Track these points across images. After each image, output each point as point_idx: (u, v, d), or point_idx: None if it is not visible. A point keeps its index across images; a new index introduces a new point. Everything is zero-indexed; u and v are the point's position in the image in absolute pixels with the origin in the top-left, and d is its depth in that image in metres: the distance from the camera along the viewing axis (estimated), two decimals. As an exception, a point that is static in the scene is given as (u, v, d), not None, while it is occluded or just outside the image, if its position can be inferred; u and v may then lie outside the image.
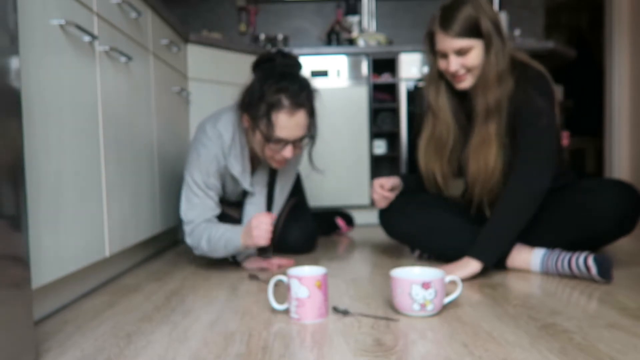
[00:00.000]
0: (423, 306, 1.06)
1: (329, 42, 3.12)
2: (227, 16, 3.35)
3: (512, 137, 1.45)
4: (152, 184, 1.78)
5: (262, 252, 1.65)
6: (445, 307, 1.13)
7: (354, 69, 2.70)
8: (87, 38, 1.25)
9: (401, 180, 1.72)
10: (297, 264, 1.65)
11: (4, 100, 0.80)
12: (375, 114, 2.78)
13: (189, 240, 1.56)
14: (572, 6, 4.54)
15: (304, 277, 1.06)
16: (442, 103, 1.54)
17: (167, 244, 2.18)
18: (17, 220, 0.82)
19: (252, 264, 1.63)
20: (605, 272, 1.30)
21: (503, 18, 1.41)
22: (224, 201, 1.71)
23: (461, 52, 1.41)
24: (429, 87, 1.56)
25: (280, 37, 3.14)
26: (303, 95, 1.44)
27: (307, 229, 1.87)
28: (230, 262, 1.71)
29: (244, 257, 1.64)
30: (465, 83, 1.46)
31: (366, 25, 3.31)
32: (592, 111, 3.77)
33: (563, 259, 1.38)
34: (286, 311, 1.12)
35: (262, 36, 3.16)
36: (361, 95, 2.69)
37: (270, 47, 3.08)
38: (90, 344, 0.98)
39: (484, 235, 1.42)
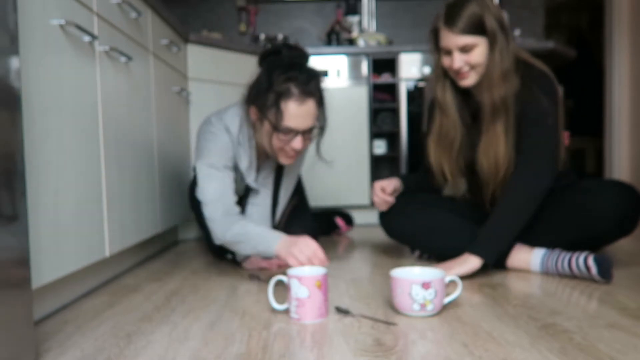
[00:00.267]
0: (423, 306, 1.06)
1: (329, 42, 3.12)
2: (227, 16, 3.35)
3: (517, 135, 1.45)
4: (152, 184, 1.78)
5: None
6: (445, 307, 1.13)
7: (354, 69, 2.70)
8: (87, 38, 1.25)
9: (401, 182, 1.72)
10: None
11: (4, 100, 0.80)
12: (375, 114, 2.78)
13: (213, 225, 1.46)
14: (572, 6, 4.54)
15: (304, 277, 1.06)
16: (448, 100, 1.54)
17: (167, 244, 2.18)
18: (17, 220, 0.82)
19: (252, 264, 1.63)
20: (605, 272, 1.30)
21: (505, 20, 1.42)
22: None
23: (465, 49, 1.41)
24: (435, 84, 1.56)
25: (280, 37, 3.15)
26: (312, 84, 1.41)
27: (307, 229, 1.87)
28: (231, 262, 1.71)
29: (244, 257, 1.64)
30: (469, 80, 1.46)
31: (366, 25, 3.31)
32: (592, 111, 3.76)
33: (563, 259, 1.38)
34: (286, 311, 1.12)
35: (262, 36, 3.16)
36: (361, 95, 2.69)
37: (270, 47, 3.08)
38: (90, 344, 0.98)
39: (485, 233, 1.42)
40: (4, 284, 0.78)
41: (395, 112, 2.76)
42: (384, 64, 2.75)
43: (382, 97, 2.78)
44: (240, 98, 1.54)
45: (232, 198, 1.49)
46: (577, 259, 1.35)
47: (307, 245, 1.28)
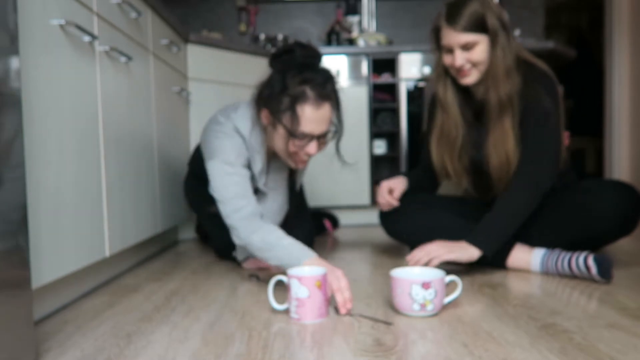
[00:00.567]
0: (423, 306, 1.06)
1: (329, 42, 3.12)
2: (227, 16, 3.35)
3: (520, 133, 1.46)
4: (152, 184, 1.78)
5: None
6: (445, 307, 1.13)
7: (354, 69, 2.70)
8: (87, 38, 1.25)
9: (407, 182, 1.71)
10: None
11: (4, 100, 0.80)
12: (375, 114, 2.78)
13: (234, 224, 1.38)
14: (572, 6, 4.54)
15: (304, 277, 1.06)
16: (450, 99, 1.54)
17: (167, 244, 2.18)
18: (17, 220, 0.82)
19: (252, 264, 1.63)
20: (605, 272, 1.30)
21: (506, 19, 1.43)
22: None
23: (467, 47, 1.42)
24: (437, 83, 1.56)
25: (280, 37, 3.15)
26: (329, 87, 1.35)
27: (307, 230, 1.87)
28: (230, 262, 1.71)
29: (244, 257, 1.64)
30: (470, 78, 1.46)
31: (366, 25, 3.31)
32: (592, 111, 3.76)
33: (563, 259, 1.39)
34: (286, 311, 1.12)
35: (262, 36, 3.16)
36: (361, 95, 2.69)
37: (270, 47, 3.08)
38: (90, 344, 0.98)
39: (485, 225, 1.42)
40: (4, 284, 0.78)
41: (395, 112, 2.76)
42: (384, 64, 2.76)
43: (382, 97, 2.78)
44: (250, 99, 1.47)
45: (252, 195, 1.41)
46: (577, 259, 1.35)
47: (337, 278, 1.15)
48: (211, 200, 1.47)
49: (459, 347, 0.89)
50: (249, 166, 1.50)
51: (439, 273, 1.10)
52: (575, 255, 1.37)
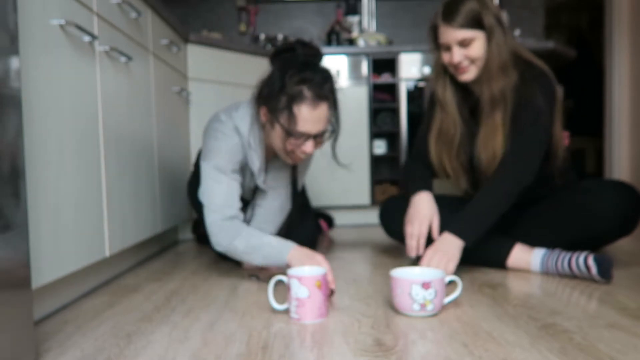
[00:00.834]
0: (423, 306, 1.06)
1: (329, 42, 3.12)
2: (227, 16, 3.35)
3: (511, 129, 1.46)
4: (152, 184, 1.78)
5: None
6: (445, 307, 1.13)
7: (354, 69, 2.70)
8: (87, 38, 1.25)
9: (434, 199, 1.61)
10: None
11: (4, 100, 0.80)
12: (375, 114, 2.78)
13: (215, 231, 1.42)
14: (572, 6, 4.54)
15: (304, 277, 1.06)
16: (448, 97, 1.55)
17: (167, 244, 2.18)
18: (17, 220, 0.82)
19: (252, 264, 1.62)
20: (605, 271, 1.30)
21: (503, 18, 1.44)
22: None
23: (464, 44, 1.43)
24: (435, 82, 1.57)
25: (280, 37, 3.14)
26: (326, 87, 1.35)
27: (310, 229, 1.87)
28: (230, 262, 1.70)
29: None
30: (469, 75, 1.47)
31: (366, 25, 3.31)
32: (592, 111, 3.76)
33: (563, 259, 1.39)
34: (286, 311, 1.12)
35: (262, 36, 3.16)
36: (361, 95, 2.69)
37: (270, 47, 3.08)
38: (90, 344, 0.98)
39: (465, 215, 1.41)
40: (4, 284, 0.78)
41: (395, 112, 2.76)
42: (384, 64, 2.76)
43: (382, 97, 2.78)
44: (251, 96, 1.48)
45: (238, 204, 1.44)
46: (577, 259, 1.35)
47: (318, 264, 1.24)
48: None
49: (459, 347, 0.89)
50: (245, 166, 1.51)
51: (439, 273, 1.10)
52: (575, 255, 1.37)
